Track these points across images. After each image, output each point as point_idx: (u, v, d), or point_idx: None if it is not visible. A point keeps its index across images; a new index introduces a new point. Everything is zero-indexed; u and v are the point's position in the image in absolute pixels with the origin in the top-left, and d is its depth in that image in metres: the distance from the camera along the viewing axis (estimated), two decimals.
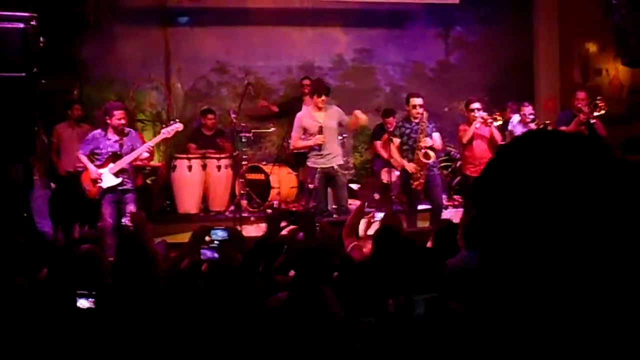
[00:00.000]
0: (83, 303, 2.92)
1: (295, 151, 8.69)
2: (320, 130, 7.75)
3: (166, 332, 2.83)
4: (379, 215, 6.31)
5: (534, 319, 0.96)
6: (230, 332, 2.82)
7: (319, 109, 7.84)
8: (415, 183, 7.96)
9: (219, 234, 3.97)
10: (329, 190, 8.09)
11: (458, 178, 9.73)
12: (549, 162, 0.96)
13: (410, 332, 2.72)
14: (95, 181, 7.21)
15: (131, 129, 7.63)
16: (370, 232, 5.72)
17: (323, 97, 7.78)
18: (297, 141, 8.03)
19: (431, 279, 2.97)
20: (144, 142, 8.37)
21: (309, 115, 7.91)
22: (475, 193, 1.03)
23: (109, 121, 7.26)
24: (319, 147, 7.78)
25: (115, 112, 7.27)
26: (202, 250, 3.68)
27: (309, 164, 7.95)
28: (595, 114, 8.42)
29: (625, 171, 0.95)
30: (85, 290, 3.00)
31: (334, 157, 7.87)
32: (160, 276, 3.61)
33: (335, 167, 7.85)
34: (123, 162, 7.29)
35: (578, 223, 0.92)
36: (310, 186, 7.94)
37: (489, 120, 8.24)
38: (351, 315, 2.89)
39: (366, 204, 6.27)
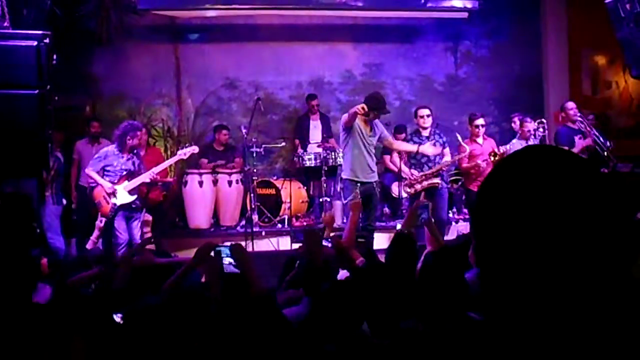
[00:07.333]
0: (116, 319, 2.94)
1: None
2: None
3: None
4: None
5: (535, 323, 1.02)
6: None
7: (365, 122, 7.36)
8: (410, 190, 7.87)
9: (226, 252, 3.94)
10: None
11: None
12: (542, 176, 1.03)
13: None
14: (109, 197, 7.26)
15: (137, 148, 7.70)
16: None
17: (377, 115, 7.32)
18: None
19: (449, 293, 2.96)
20: (160, 158, 8.47)
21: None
22: (474, 207, 1.11)
23: (129, 140, 7.33)
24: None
25: (138, 133, 7.48)
26: (224, 265, 3.67)
27: (344, 176, 7.55)
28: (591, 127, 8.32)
29: (611, 185, 1.03)
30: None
31: (371, 173, 7.49)
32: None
33: (374, 183, 7.51)
34: (139, 180, 7.38)
35: (570, 233, 1.00)
36: (345, 202, 7.55)
37: (491, 160, 8.03)
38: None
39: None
